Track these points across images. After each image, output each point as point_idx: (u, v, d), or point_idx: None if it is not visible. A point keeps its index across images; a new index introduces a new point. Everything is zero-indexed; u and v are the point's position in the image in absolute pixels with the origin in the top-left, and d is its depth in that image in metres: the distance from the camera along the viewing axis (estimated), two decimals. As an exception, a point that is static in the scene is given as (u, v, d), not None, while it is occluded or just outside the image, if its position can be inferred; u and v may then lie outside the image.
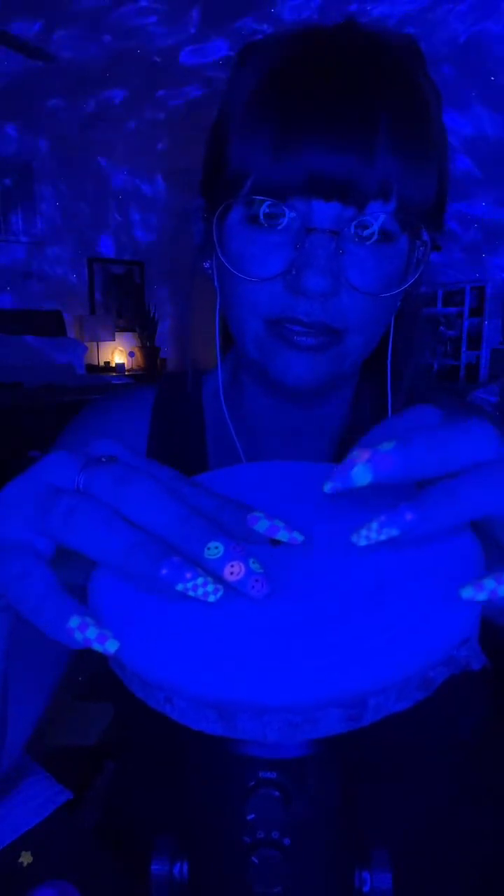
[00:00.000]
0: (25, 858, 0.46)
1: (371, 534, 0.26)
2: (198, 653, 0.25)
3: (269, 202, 0.43)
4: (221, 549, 0.26)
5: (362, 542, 0.26)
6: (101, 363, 5.87)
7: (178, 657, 0.25)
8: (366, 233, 0.43)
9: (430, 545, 0.28)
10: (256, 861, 0.28)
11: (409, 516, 0.25)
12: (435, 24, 4.22)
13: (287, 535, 0.28)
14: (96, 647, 0.25)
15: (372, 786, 0.45)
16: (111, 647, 0.25)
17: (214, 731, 0.25)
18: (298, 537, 0.28)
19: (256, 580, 0.26)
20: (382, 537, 0.26)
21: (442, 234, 0.48)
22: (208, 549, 0.26)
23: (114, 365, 5.91)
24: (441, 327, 5.30)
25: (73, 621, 0.26)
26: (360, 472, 0.26)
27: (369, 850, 0.32)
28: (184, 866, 0.32)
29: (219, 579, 0.26)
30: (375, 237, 0.43)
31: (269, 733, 0.25)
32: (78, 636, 0.25)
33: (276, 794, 0.28)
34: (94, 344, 5.78)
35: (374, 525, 0.26)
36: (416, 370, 0.53)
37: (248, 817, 0.28)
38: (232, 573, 0.25)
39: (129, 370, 5.91)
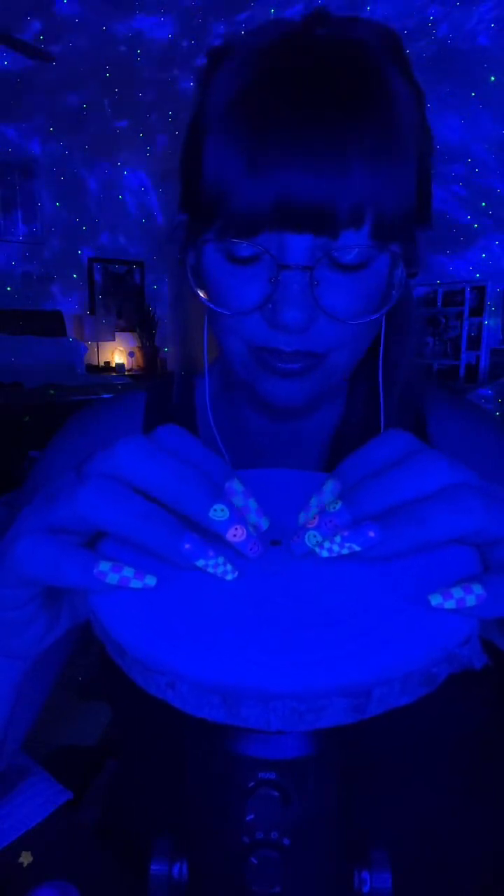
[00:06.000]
0: (25, 858, 0.46)
1: (334, 546, 0.27)
2: (204, 637, 0.25)
3: (240, 240, 0.41)
4: (227, 512, 0.27)
5: (325, 554, 0.27)
6: (101, 363, 5.87)
7: (184, 641, 0.25)
8: (340, 260, 0.42)
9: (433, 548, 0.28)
10: (255, 861, 0.28)
11: (371, 534, 0.26)
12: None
13: (256, 518, 0.30)
14: (135, 584, 0.26)
15: (372, 786, 0.45)
16: (150, 581, 0.27)
17: (217, 718, 0.25)
18: (265, 523, 0.30)
19: (255, 543, 0.28)
20: (344, 551, 0.27)
21: (430, 229, 0.47)
22: (214, 510, 0.27)
23: (114, 365, 5.91)
24: (440, 327, 5.30)
25: (104, 566, 0.27)
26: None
27: (369, 850, 0.32)
28: (183, 866, 0.32)
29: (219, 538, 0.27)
30: (350, 263, 0.42)
31: (273, 721, 0.25)
32: (112, 578, 0.26)
33: (276, 794, 0.28)
34: (94, 344, 5.78)
35: (338, 538, 0.27)
36: (410, 371, 0.52)
37: (248, 818, 0.28)
38: (235, 535, 0.27)
39: (129, 370, 5.92)
